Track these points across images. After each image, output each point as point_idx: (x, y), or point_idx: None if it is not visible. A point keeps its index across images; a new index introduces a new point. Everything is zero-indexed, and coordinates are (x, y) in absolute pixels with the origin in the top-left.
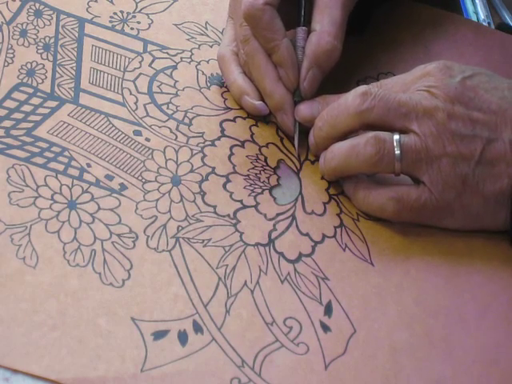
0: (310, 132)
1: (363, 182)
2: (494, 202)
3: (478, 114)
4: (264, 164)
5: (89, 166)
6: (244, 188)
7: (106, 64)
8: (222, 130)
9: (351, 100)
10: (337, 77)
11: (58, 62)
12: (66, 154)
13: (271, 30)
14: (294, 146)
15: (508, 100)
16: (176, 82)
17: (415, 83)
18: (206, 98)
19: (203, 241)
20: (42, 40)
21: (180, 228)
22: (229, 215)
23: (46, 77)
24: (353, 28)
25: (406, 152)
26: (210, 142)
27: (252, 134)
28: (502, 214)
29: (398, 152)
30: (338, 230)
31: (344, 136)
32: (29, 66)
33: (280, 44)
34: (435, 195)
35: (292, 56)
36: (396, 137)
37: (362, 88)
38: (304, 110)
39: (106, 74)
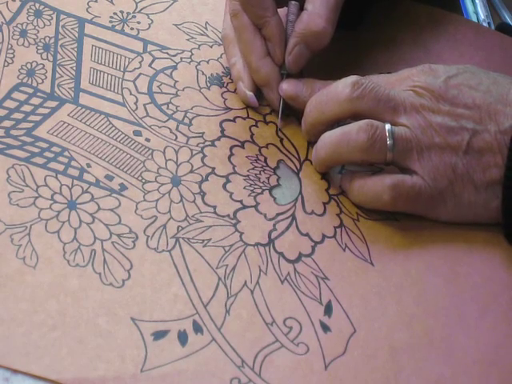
0: (302, 120)
1: (359, 173)
2: (484, 191)
3: (463, 110)
4: (264, 164)
5: (89, 166)
6: (244, 188)
7: (106, 64)
8: (222, 131)
9: (341, 87)
10: (336, 76)
11: (57, 62)
12: (66, 154)
13: (261, 7)
14: (297, 146)
15: (493, 94)
16: (176, 82)
17: (400, 84)
18: (206, 98)
19: (203, 241)
20: (42, 40)
21: (180, 228)
22: (229, 215)
23: (46, 77)
24: (347, 21)
25: (398, 140)
26: (209, 143)
27: (252, 135)
28: (494, 204)
29: (390, 142)
30: (338, 230)
31: (332, 123)
32: (29, 65)
33: (270, 20)
34: (428, 183)
35: (281, 32)
36: (388, 126)
37: (352, 77)
38: (287, 88)
39: (105, 74)
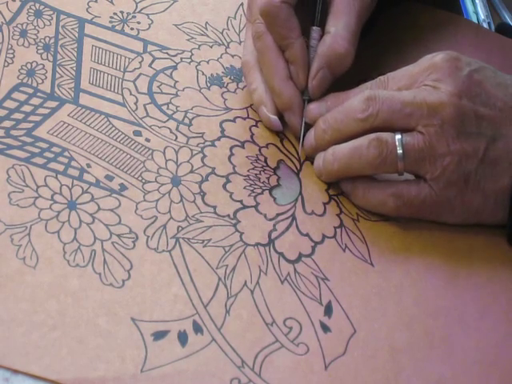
0: (307, 133)
1: (361, 178)
2: (493, 200)
3: (485, 110)
4: (264, 164)
5: (89, 166)
6: (244, 188)
7: (106, 64)
8: (222, 131)
9: (356, 105)
10: (338, 78)
11: (58, 62)
12: (66, 154)
13: (287, 28)
14: (297, 147)
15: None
16: (176, 82)
17: (422, 75)
18: (206, 99)
19: (203, 241)
20: (42, 40)
21: (180, 228)
22: (229, 215)
23: (46, 77)
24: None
25: (409, 151)
26: (209, 143)
27: (252, 135)
28: (501, 213)
29: (400, 151)
30: (338, 230)
31: (348, 139)
32: (29, 66)
33: (294, 42)
34: (435, 191)
35: (304, 55)
36: (398, 136)
37: (367, 93)
38: (313, 109)
39: (105, 74)
